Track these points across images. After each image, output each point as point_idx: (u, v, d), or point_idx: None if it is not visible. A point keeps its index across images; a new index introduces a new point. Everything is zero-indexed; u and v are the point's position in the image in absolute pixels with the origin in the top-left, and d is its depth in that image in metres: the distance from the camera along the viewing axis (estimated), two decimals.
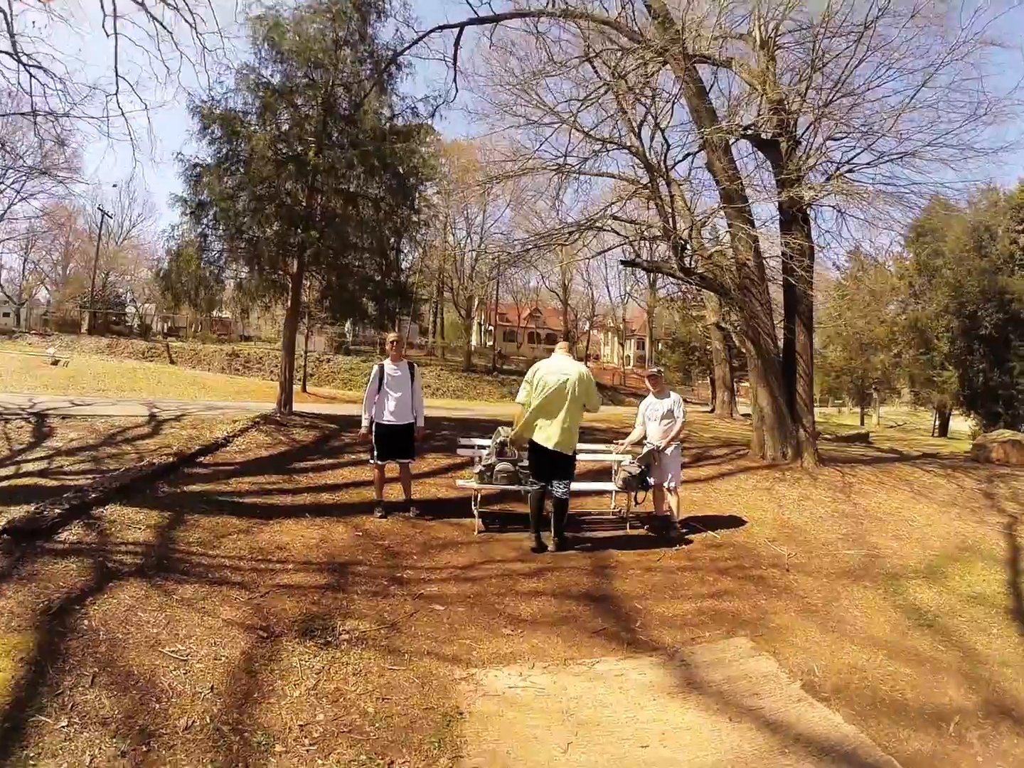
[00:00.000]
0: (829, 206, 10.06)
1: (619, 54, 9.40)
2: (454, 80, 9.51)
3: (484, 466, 4.97)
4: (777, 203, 9.25)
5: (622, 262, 11.52)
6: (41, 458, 5.74)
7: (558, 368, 4.60)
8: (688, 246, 9.53)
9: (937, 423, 28.83)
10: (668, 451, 5.36)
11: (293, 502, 5.12)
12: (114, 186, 52.31)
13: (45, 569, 3.22)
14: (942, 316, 20.53)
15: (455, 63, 9.51)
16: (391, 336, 5.39)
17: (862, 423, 35.61)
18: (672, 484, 5.39)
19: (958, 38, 7.43)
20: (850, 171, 9.29)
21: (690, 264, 9.80)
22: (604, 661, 2.99)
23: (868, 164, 9.25)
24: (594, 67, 9.77)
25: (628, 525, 5.55)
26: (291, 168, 8.17)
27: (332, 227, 9.19)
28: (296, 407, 10.15)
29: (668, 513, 5.43)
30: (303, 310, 10.87)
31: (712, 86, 9.85)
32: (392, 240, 10.60)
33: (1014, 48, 7.63)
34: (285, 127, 9.10)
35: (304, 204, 9.04)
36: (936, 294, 20.68)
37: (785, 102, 9.20)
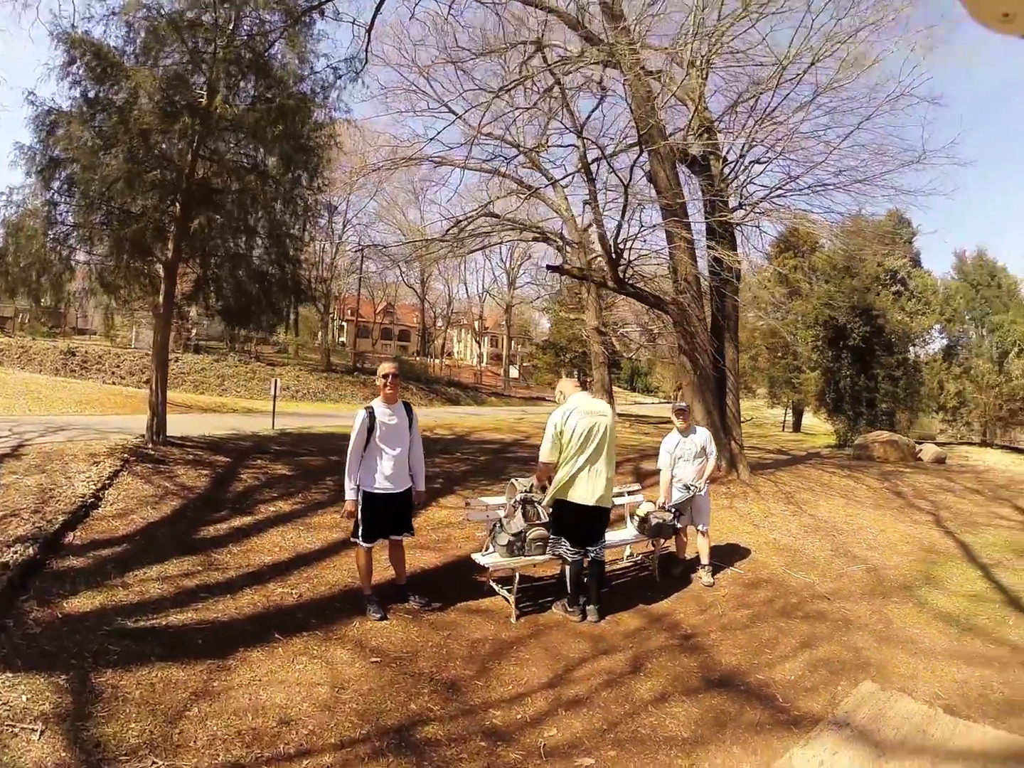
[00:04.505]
0: (751, 225, 10.47)
1: (564, 50, 8.81)
2: (366, 48, 7.94)
3: (512, 535, 3.78)
4: (705, 221, 9.35)
5: (549, 267, 10.82)
6: None
7: (590, 409, 3.88)
8: (624, 258, 9.16)
9: (791, 419, 32.47)
10: (703, 492, 4.96)
11: (239, 611, 3.37)
12: None
13: None
14: (812, 327, 23.05)
15: (370, 30, 8.00)
16: (385, 367, 3.68)
17: None
18: (704, 526, 4.97)
19: (892, 90, 7.81)
20: (779, 196, 9.71)
21: (624, 276, 9.52)
22: (794, 755, 2.57)
23: (798, 192, 9.60)
24: (544, 58, 9.05)
25: (658, 574, 4.84)
26: (186, 120, 5.87)
27: (224, 202, 7.03)
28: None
29: (689, 556, 5.12)
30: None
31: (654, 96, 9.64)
32: (292, 224, 8.49)
33: (941, 104, 8.19)
34: (176, 69, 6.69)
35: (187, 171, 6.75)
36: (803, 305, 22.91)
37: (716, 123, 9.30)
